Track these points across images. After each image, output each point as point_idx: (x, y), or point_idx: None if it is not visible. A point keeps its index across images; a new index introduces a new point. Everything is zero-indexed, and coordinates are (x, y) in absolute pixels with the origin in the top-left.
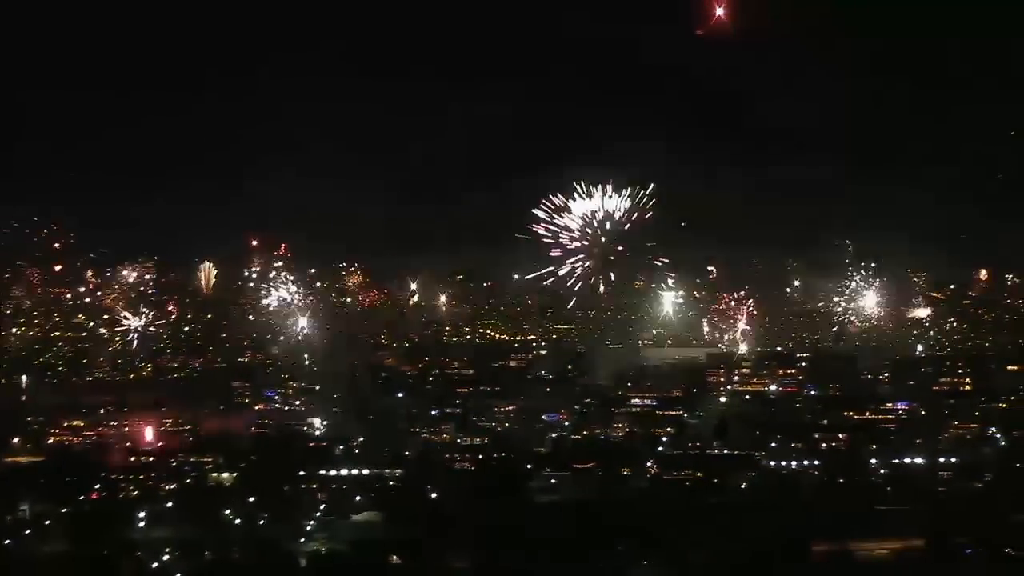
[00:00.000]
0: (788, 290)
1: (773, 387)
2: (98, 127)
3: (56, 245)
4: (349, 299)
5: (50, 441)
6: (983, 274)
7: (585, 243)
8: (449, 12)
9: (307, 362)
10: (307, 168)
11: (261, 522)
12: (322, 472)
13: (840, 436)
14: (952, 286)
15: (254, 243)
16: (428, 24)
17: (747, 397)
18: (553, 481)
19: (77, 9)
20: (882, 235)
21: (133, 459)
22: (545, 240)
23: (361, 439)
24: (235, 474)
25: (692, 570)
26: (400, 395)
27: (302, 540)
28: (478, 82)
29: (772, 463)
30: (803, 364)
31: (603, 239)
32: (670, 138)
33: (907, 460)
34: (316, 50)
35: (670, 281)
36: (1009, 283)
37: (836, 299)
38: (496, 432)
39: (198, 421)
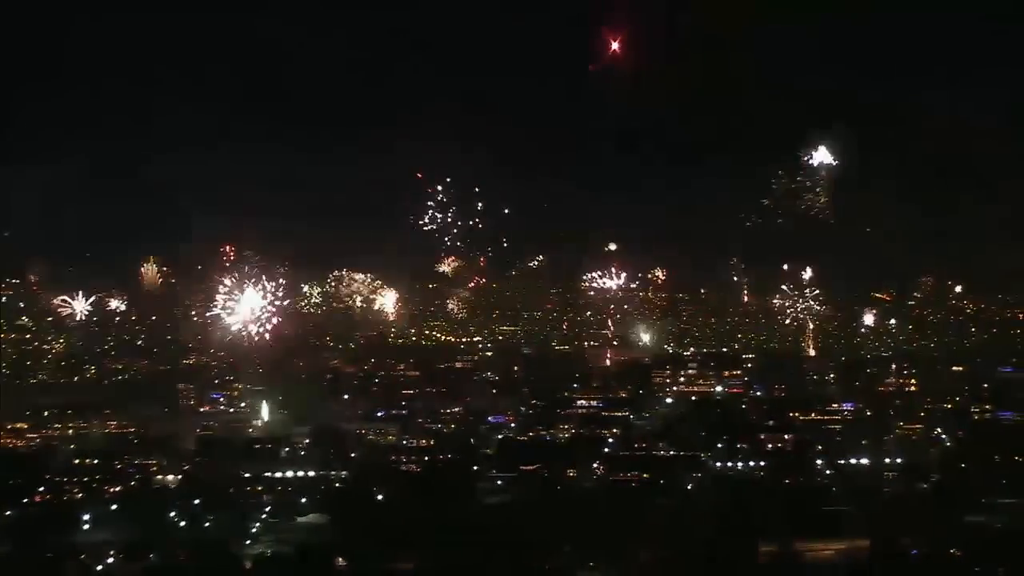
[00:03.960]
0: (735, 291)
1: (719, 388)
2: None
3: None
4: (296, 302)
5: None
6: (927, 277)
7: None
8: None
9: (254, 364)
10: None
11: (206, 524)
12: (267, 474)
13: (786, 437)
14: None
15: (202, 247)
16: None
17: (693, 398)
18: (499, 483)
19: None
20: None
21: (78, 461)
22: None
23: (307, 441)
24: (180, 476)
25: (638, 570)
26: (346, 397)
27: (247, 542)
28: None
29: (718, 464)
30: (749, 365)
31: None
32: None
33: (853, 461)
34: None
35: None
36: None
37: (783, 301)
38: (442, 434)
39: (143, 423)
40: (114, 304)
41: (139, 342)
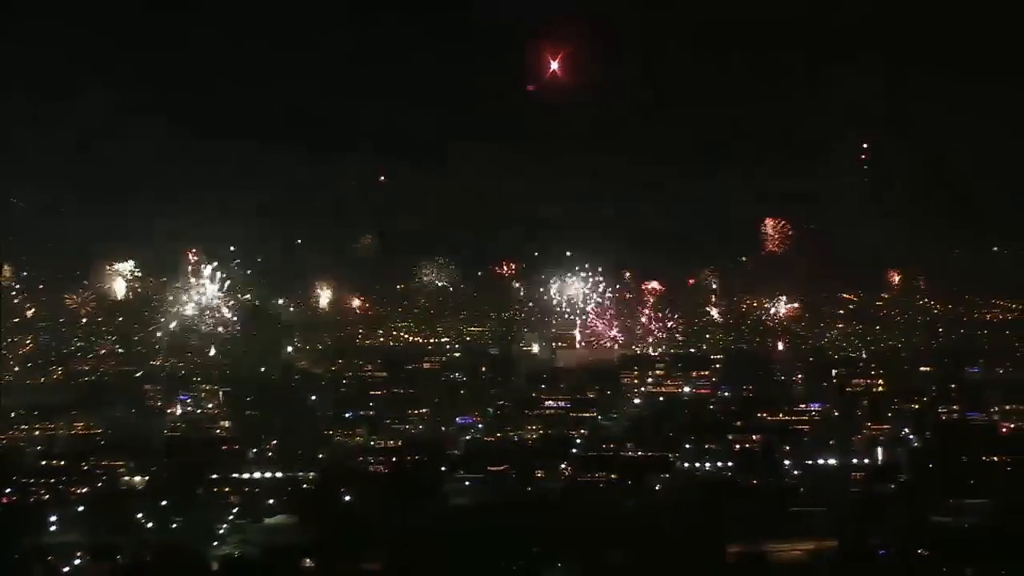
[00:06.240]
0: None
1: (687, 388)
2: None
3: None
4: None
5: None
6: (894, 276)
7: None
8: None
9: (221, 365)
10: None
11: (173, 525)
12: (235, 475)
13: (754, 437)
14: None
15: (168, 249)
16: None
17: (661, 399)
18: (467, 484)
19: None
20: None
21: (44, 463)
22: None
23: (274, 442)
24: (147, 477)
25: (606, 571)
26: (313, 397)
27: (215, 543)
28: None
29: (686, 465)
30: (716, 366)
31: None
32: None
33: (821, 461)
34: None
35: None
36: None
37: (750, 300)
38: (409, 435)
39: (110, 424)
40: (80, 304)
41: (105, 343)
